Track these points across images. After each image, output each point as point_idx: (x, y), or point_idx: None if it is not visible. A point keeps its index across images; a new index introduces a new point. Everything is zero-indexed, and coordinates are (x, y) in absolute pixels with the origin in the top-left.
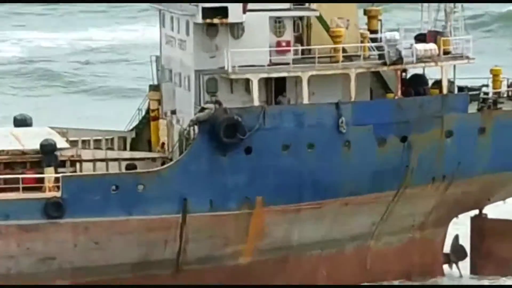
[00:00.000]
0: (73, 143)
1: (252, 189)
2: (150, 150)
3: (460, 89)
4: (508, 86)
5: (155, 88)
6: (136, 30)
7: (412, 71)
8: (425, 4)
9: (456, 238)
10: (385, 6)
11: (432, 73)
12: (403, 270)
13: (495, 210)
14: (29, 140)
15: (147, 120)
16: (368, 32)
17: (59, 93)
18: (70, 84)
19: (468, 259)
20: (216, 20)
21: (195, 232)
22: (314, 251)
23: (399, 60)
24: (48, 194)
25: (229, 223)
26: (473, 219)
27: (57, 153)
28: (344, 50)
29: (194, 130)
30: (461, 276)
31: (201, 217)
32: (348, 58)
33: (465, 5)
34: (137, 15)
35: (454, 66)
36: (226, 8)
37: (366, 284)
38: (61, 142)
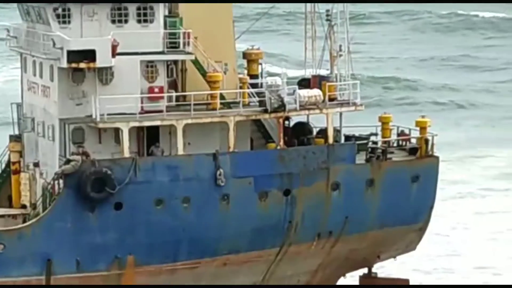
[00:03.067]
0: None
1: (123, 248)
2: (10, 206)
3: (347, 138)
4: (398, 135)
5: (16, 138)
6: None
7: (295, 119)
8: (309, 46)
9: None
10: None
11: (317, 121)
12: None
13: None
14: None
15: (8, 174)
16: (248, 77)
17: None
18: None
19: None
20: (82, 65)
21: None
22: None
23: (281, 107)
24: None
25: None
26: (362, 278)
27: None
28: (222, 97)
29: (58, 184)
30: None
31: (66, 279)
32: (227, 105)
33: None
34: None
35: (341, 113)
36: (93, 52)
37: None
38: None
